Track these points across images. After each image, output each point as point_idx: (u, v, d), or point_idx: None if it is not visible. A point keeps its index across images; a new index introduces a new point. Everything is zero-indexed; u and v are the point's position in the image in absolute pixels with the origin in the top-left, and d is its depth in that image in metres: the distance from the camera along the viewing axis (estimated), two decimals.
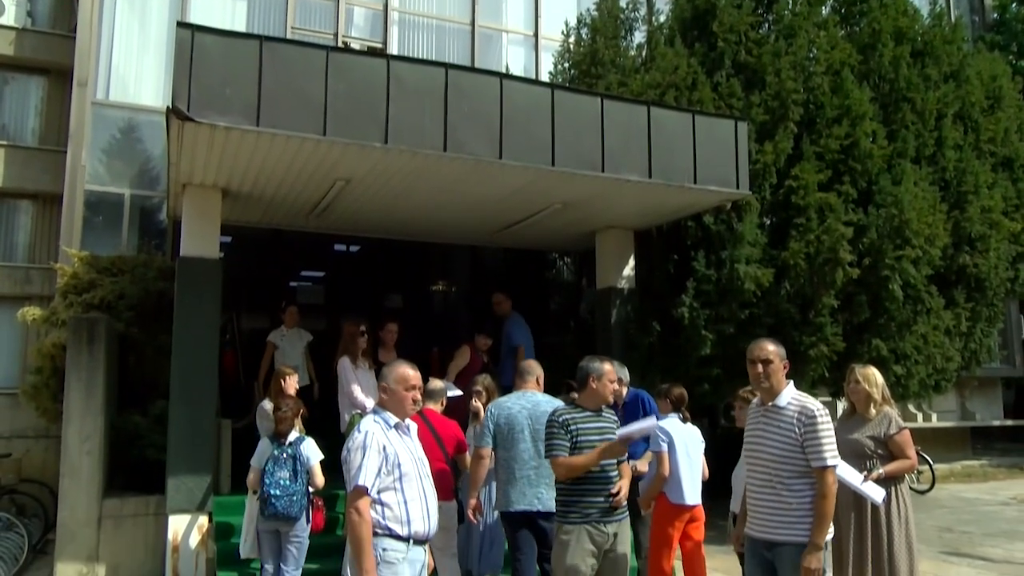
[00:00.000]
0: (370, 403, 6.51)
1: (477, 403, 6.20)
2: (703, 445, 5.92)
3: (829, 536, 3.83)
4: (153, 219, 10.54)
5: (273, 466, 5.45)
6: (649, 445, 5.74)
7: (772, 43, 8.74)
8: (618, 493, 4.34)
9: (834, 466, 3.83)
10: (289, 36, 10.54)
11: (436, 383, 5.98)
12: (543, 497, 5.19)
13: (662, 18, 9.94)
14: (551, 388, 5.86)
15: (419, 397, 3.76)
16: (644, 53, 9.61)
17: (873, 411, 5.06)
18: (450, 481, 5.57)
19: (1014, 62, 16.96)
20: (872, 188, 8.67)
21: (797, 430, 3.83)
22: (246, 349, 10.42)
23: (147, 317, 8.27)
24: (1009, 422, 17.41)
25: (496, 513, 6.49)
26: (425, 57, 11.30)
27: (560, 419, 4.45)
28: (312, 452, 5.62)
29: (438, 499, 3.86)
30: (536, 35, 12.45)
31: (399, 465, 3.60)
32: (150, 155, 10.39)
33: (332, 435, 6.95)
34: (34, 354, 8.68)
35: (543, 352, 9.77)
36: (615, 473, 4.43)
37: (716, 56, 8.89)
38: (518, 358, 8.68)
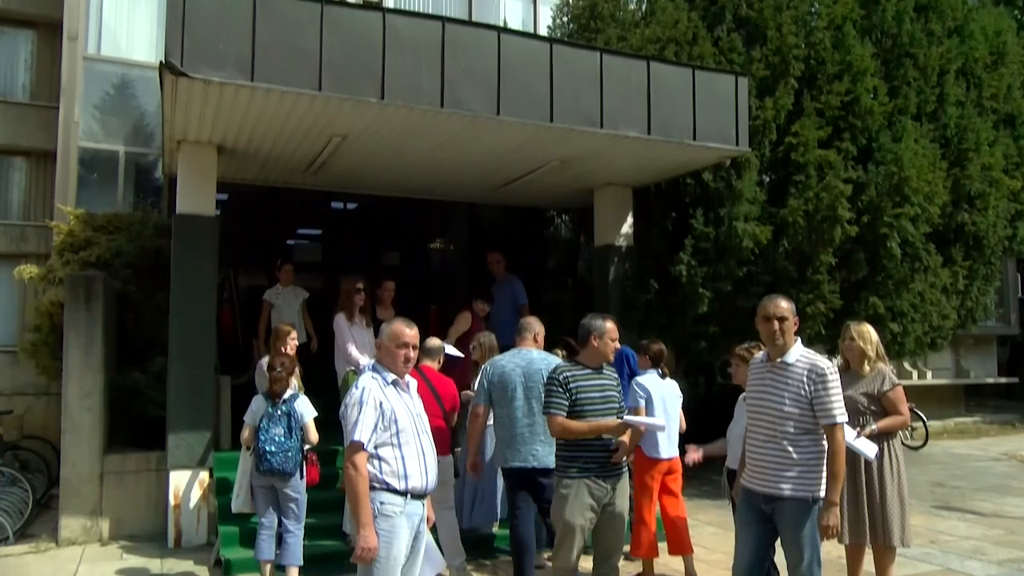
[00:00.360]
0: (364, 360, 6.54)
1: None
2: (680, 399, 6.02)
3: (821, 492, 3.88)
4: (149, 176, 10.47)
5: (268, 423, 5.49)
6: (627, 401, 5.80)
7: None
8: (617, 449, 4.38)
9: (843, 423, 3.87)
10: None
11: (433, 341, 6.01)
12: (538, 454, 5.23)
13: None
14: (549, 346, 5.89)
15: (412, 355, 3.75)
16: (644, 7, 9.46)
17: (867, 368, 5.10)
18: (447, 436, 5.62)
19: (1019, 17, 16.72)
20: (872, 145, 8.61)
21: (807, 387, 3.85)
22: (244, 307, 10.43)
23: (144, 275, 8.26)
24: (1003, 379, 17.56)
25: (486, 470, 6.59)
26: (421, 11, 11.11)
27: (560, 377, 4.47)
28: (306, 409, 5.66)
29: (436, 454, 3.89)
30: None
31: (396, 421, 3.62)
32: (144, 111, 10.28)
33: (330, 392, 7.00)
34: (32, 312, 8.69)
35: (541, 310, 9.81)
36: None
37: (717, 10, 8.77)
38: (523, 316, 8.72)
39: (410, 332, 3.78)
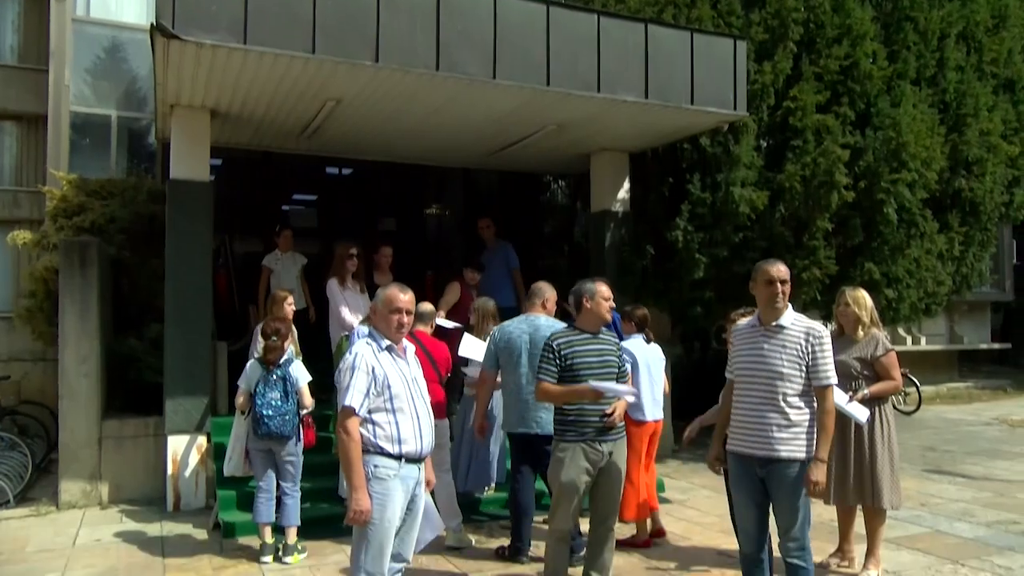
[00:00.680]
0: (356, 322, 6.55)
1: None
2: (664, 363, 6.09)
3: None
4: (142, 141, 10.39)
5: (264, 388, 5.51)
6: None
7: None
8: (612, 413, 4.41)
9: (834, 385, 3.96)
10: None
11: (426, 306, 6.02)
12: (541, 420, 5.28)
13: None
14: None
15: (406, 321, 3.74)
16: None
17: (861, 333, 5.13)
18: (443, 400, 5.65)
19: None
20: (870, 110, 8.56)
21: (804, 349, 3.91)
22: (239, 272, 10.42)
23: (139, 241, 8.24)
24: (996, 345, 17.67)
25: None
26: None
27: (554, 343, 4.49)
28: (300, 373, 5.69)
29: (433, 418, 3.90)
30: None
31: (389, 387, 3.63)
32: (136, 75, 10.17)
33: (327, 358, 7.03)
34: (26, 278, 8.67)
35: (537, 276, 9.81)
36: (612, 395, 4.48)
37: None
38: (516, 280, 8.74)
39: (404, 297, 3.76)
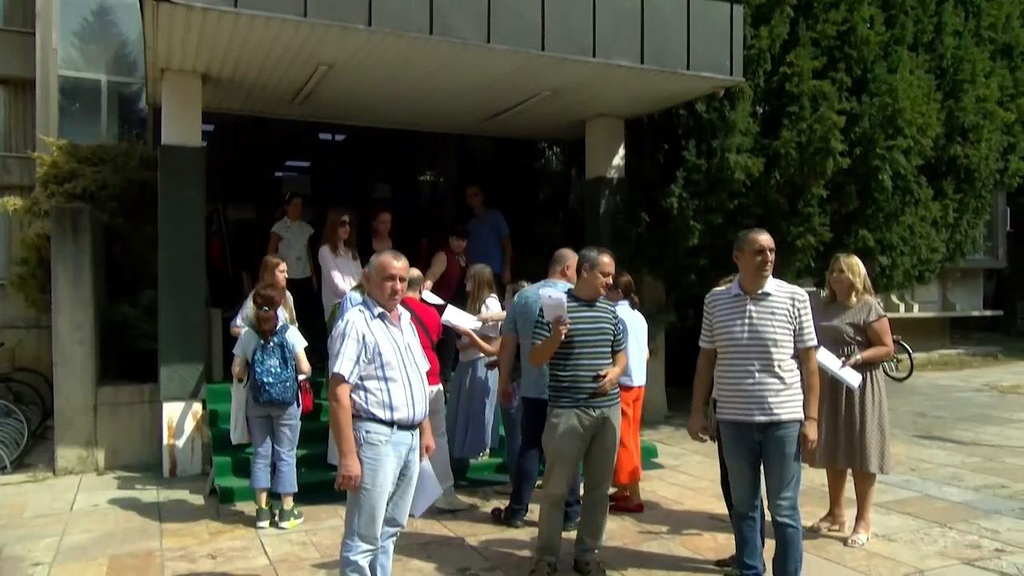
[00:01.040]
0: (348, 289, 6.56)
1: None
2: (646, 329, 6.12)
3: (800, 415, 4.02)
4: (133, 107, 10.27)
5: (262, 355, 5.51)
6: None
7: None
8: (605, 375, 4.42)
9: (816, 345, 4.13)
10: None
11: (414, 271, 6.01)
12: None
13: None
14: (540, 279, 5.89)
15: (399, 288, 3.72)
16: None
17: (854, 299, 5.15)
18: (436, 366, 5.66)
19: None
20: (867, 76, 8.50)
21: (792, 314, 4.03)
22: (232, 239, 10.38)
23: (131, 207, 8.19)
24: (988, 312, 17.78)
25: (476, 400, 6.70)
26: None
27: None
28: (296, 340, 5.68)
29: (427, 385, 3.91)
30: None
31: (380, 354, 3.63)
32: (126, 39, 10.02)
33: (323, 323, 7.04)
34: (18, 245, 8.62)
35: (531, 244, 9.80)
36: (607, 361, 4.50)
37: None
38: (504, 248, 8.72)
39: (398, 264, 3.74)
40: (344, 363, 3.57)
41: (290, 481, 5.61)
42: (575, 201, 10.24)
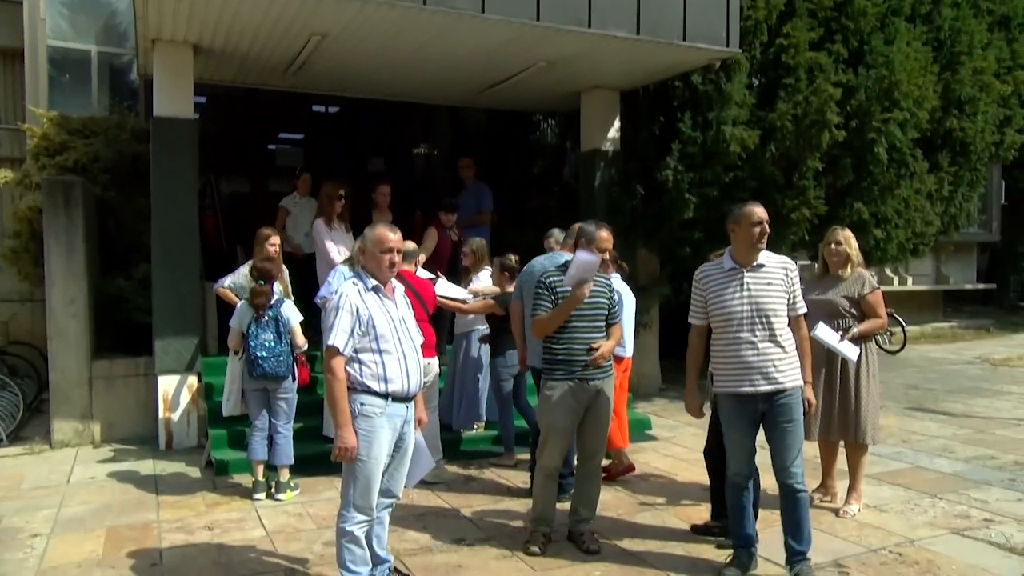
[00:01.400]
0: (340, 259, 6.55)
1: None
2: (633, 301, 6.14)
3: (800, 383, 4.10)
4: (124, 78, 10.15)
5: (257, 328, 5.50)
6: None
7: None
8: (597, 350, 4.44)
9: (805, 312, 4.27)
10: None
11: (409, 244, 6.01)
12: None
13: None
14: (535, 252, 5.89)
15: (397, 260, 3.74)
16: None
17: (849, 271, 5.16)
18: (432, 339, 5.68)
19: None
20: (864, 48, 8.44)
21: (787, 283, 4.12)
22: (226, 212, 10.33)
23: (123, 180, 8.13)
24: (981, 286, 17.83)
25: (471, 372, 6.73)
26: None
27: (546, 281, 4.50)
28: (292, 313, 5.66)
29: (421, 357, 3.92)
30: None
31: (374, 326, 3.63)
32: (115, 9, 9.88)
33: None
34: (10, 218, 8.56)
35: (526, 217, 9.78)
36: (601, 334, 4.50)
37: None
38: (483, 220, 8.73)
39: (394, 237, 3.75)
40: (338, 335, 3.58)
41: (286, 453, 5.63)
42: (570, 174, 10.20)
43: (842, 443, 5.29)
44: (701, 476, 6.03)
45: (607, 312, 4.55)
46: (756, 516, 4.33)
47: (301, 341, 5.69)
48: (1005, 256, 19.06)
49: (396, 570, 4.06)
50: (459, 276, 7.03)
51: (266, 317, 5.55)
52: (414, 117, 12.54)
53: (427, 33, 6.80)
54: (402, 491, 3.98)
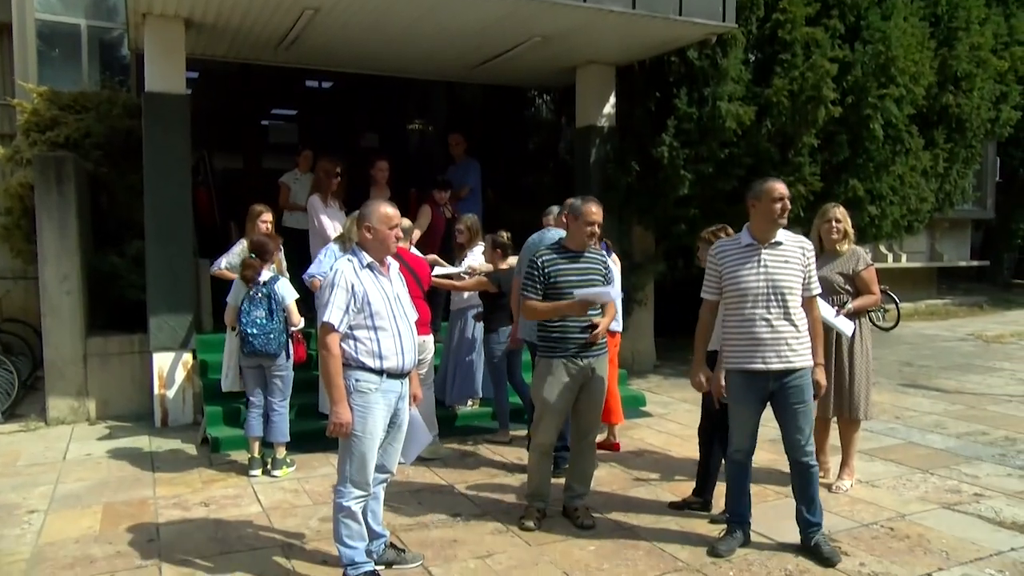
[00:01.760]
0: (334, 235, 6.54)
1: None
2: (619, 272, 6.17)
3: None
4: (114, 53, 10.03)
5: (249, 305, 5.49)
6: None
7: None
8: (595, 328, 4.44)
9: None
10: None
11: (405, 221, 5.99)
12: None
13: None
14: (530, 229, 5.88)
15: (401, 235, 3.76)
16: None
17: (845, 247, 5.17)
18: (427, 316, 5.68)
19: None
20: (860, 23, 8.39)
21: (803, 262, 4.10)
22: (220, 188, 10.27)
23: (116, 156, 8.06)
24: (975, 263, 17.87)
25: (465, 348, 6.74)
26: None
27: (538, 261, 4.49)
28: (287, 291, 5.64)
29: (416, 334, 3.92)
30: None
31: (369, 303, 3.64)
32: None
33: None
34: (1, 194, 8.49)
35: (521, 193, 9.75)
36: (597, 312, 4.51)
37: None
38: (461, 195, 8.72)
39: (396, 213, 3.79)
40: (334, 312, 3.58)
41: (282, 431, 5.64)
42: (565, 150, 10.16)
43: (835, 419, 5.32)
44: (695, 452, 6.03)
45: None
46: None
47: (297, 319, 5.67)
48: (999, 233, 19.08)
49: (392, 545, 4.08)
50: (453, 253, 7.03)
51: (259, 294, 5.53)
52: (409, 93, 12.44)
53: (421, 7, 6.73)
54: (396, 467, 4.00)
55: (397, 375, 3.75)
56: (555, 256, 4.49)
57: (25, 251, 8.32)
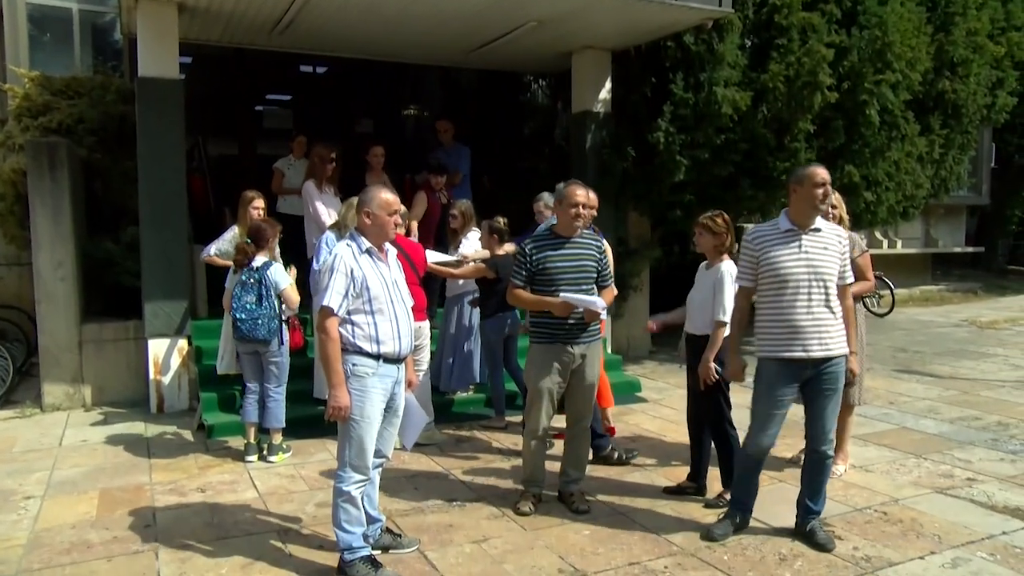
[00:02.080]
0: (330, 222, 6.52)
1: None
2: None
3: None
4: (107, 37, 9.96)
5: (240, 290, 5.48)
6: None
7: None
8: (582, 315, 4.44)
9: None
10: None
11: (401, 207, 6.00)
12: None
13: None
14: (526, 215, 5.88)
15: (400, 221, 3.76)
16: None
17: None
18: (424, 302, 5.68)
19: None
20: (857, 8, 8.36)
21: (840, 251, 4.07)
22: (214, 174, 10.24)
23: (110, 142, 8.02)
24: (970, 249, 17.90)
25: (463, 335, 6.74)
26: None
27: (526, 248, 4.50)
28: (280, 277, 5.61)
29: (412, 320, 3.93)
30: None
31: (368, 288, 3.64)
32: None
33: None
34: None
35: (516, 179, 9.73)
36: (580, 314, 4.48)
37: None
38: (454, 181, 8.70)
39: (395, 198, 3.80)
40: (333, 296, 3.58)
41: (278, 417, 5.65)
42: (561, 136, 10.13)
43: None
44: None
45: (595, 274, 4.54)
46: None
47: (294, 303, 5.65)
48: (994, 219, 19.11)
49: (388, 530, 4.10)
50: (447, 239, 7.02)
51: (251, 280, 5.51)
52: (404, 78, 12.39)
53: None
54: (392, 451, 4.01)
55: (394, 360, 3.76)
56: (544, 243, 4.50)
57: (19, 237, 8.28)
